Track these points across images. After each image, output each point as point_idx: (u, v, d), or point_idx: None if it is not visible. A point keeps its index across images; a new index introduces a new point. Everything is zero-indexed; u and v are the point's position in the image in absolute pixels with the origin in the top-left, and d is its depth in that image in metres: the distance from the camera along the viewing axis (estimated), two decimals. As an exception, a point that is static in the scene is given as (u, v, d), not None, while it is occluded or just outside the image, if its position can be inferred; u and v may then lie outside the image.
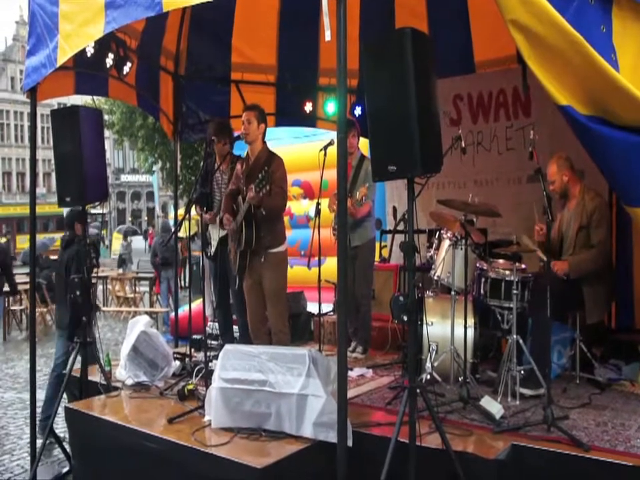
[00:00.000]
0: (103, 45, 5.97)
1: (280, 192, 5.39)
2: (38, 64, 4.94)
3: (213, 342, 6.57)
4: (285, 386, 4.06)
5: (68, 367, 5.38)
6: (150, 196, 47.69)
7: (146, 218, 54.30)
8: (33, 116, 5.39)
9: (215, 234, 6.31)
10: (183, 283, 16.15)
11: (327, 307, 7.73)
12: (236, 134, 5.96)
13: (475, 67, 7.76)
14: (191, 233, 7.28)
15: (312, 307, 7.54)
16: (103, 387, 5.27)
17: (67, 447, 5.17)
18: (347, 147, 4.13)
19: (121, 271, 18.62)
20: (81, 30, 4.59)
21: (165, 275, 13.05)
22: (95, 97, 7.36)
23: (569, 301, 4.98)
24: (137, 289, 15.44)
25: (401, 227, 7.85)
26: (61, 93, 6.19)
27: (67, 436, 5.16)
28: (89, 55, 5.89)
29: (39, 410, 5.57)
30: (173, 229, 10.21)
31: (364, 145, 6.69)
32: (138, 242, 28.67)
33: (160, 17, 4.83)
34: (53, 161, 5.80)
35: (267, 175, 5.08)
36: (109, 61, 6.28)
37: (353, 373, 5.71)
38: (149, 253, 26.17)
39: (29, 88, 5.07)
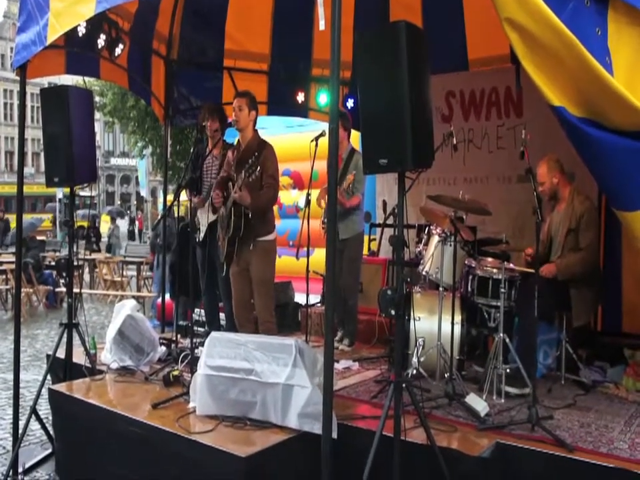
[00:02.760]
0: (94, 25, 5.90)
1: (272, 183, 5.32)
2: (28, 41, 4.85)
3: (199, 328, 6.56)
4: (271, 375, 4.05)
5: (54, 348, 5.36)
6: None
7: (135, 202, 54.06)
8: (22, 94, 5.32)
9: (203, 219, 6.20)
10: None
11: (315, 298, 7.74)
12: (228, 120, 5.92)
13: (469, 64, 7.73)
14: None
15: (299, 298, 7.55)
16: (87, 370, 5.24)
17: (49, 428, 5.15)
18: (338, 139, 4.11)
19: (108, 254, 18.46)
20: (71, 8, 4.53)
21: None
22: (86, 78, 7.27)
23: (556, 302, 5.01)
24: (125, 272, 15.37)
25: (390, 220, 7.88)
26: (51, 71, 6.11)
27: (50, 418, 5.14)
28: (80, 34, 5.80)
29: (22, 391, 5.53)
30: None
31: (355, 137, 6.68)
32: (121, 226, 28.05)
33: (153, -1, 4.77)
34: (41, 141, 5.74)
35: (257, 160, 5.03)
36: (101, 41, 6.20)
37: (339, 365, 5.71)
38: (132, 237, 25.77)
39: (19, 65, 4.97)
